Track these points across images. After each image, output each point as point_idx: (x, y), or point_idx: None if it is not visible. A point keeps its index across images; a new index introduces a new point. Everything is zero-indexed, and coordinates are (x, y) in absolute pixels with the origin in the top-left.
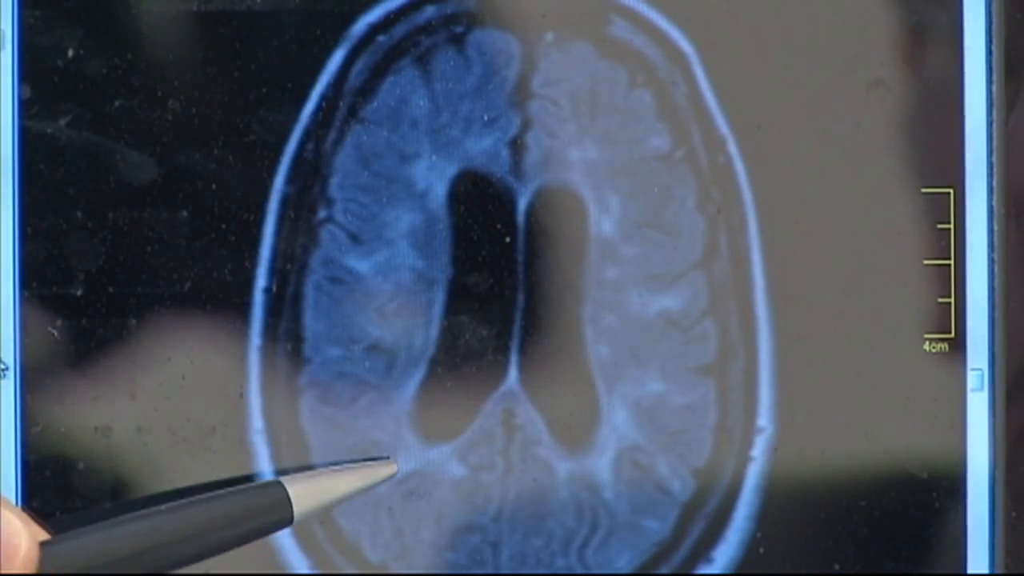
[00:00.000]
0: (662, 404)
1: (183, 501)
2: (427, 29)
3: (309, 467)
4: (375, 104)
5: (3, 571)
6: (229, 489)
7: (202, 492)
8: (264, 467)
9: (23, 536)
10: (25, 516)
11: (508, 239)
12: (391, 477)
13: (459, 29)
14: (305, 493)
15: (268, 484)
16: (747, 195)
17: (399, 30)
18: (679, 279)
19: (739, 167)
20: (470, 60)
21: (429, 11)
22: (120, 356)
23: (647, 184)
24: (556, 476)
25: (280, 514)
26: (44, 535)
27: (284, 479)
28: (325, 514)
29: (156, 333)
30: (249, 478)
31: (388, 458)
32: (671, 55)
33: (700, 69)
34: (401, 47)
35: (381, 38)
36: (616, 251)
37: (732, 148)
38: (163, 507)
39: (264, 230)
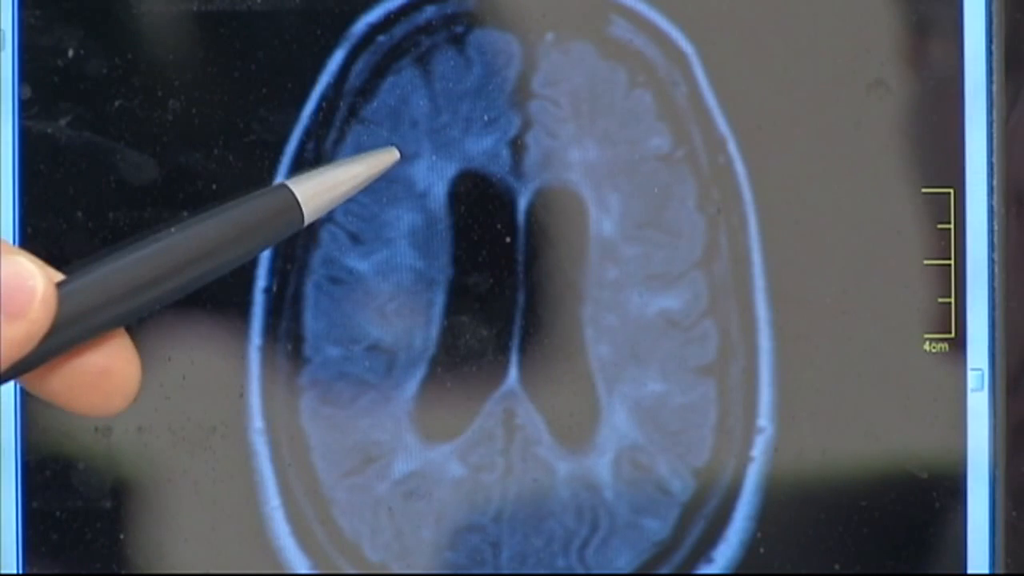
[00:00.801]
0: (662, 404)
1: (191, 219)
2: (427, 29)
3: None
4: (375, 104)
5: (22, 317)
6: (236, 200)
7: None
8: (264, 467)
9: (38, 279)
10: (36, 259)
11: (508, 239)
12: (395, 164)
13: (459, 29)
14: (312, 192)
15: (274, 188)
16: (747, 195)
17: (399, 30)
18: (679, 279)
19: (739, 167)
20: (470, 60)
21: (429, 11)
22: None
23: (647, 184)
24: (556, 476)
25: (290, 215)
26: (59, 276)
27: (289, 181)
28: (325, 514)
29: (156, 333)
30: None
31: (390, 147)
32: (671, 55)
33: (700, 69)
34: (401, 47)
35: (381, 38)
36: (616, 251)
37: (732, 148)
38: (172, 228)
39: None
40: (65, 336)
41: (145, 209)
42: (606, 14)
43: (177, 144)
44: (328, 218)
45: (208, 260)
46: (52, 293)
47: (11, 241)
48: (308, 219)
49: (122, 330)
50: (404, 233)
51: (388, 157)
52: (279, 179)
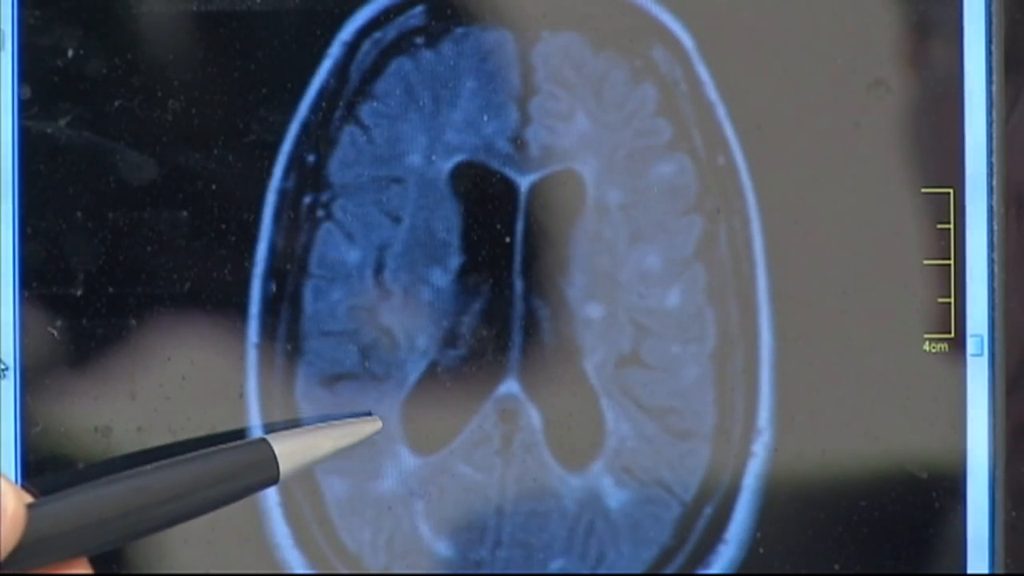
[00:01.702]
0: (662, 404)
1: (169, 460)
2: (425, 26)
3: (295, 424)
4: (374, 103)
5: None
6: (215, 448)
7: (188, 449)
8: None
9: (10, 497)
10: (9, 480)
11: (508, 239)
12: (375, 433)
13: (458, 25)
14: (291, 450)
15: (254, 442)
16: (747, 195)
17: (397, 28)
18: (679, 278)
19: (739, 167)
20: (469, 57)
21: (427, 8)
22: (120, 356)
23: (647, 183)
24: (556, 476)
25: (267, 472)
26: (29, 498)
27: (270, 436)
28: (324, 514)
29: (156, 333)
30: (237, 434)
31: (371, 414)
32: (672, 53)
33: (701, 68)
34: (399, 45)
35: (379, 36)
36: (616, 250)
37: (732, 148)
38: (149, 467)
39: (263, 230)
40: (28, 557)
41: (145, 209)
42: (607, 12)
43: (177, 144)
44: (327, 217)
45: (179, 504)
46: (22, 513)
47: (11, 241)
48: (284, 476)
49: (84, 560)
50: (403, 232)
51: (369, 427)
52: (277, 179)
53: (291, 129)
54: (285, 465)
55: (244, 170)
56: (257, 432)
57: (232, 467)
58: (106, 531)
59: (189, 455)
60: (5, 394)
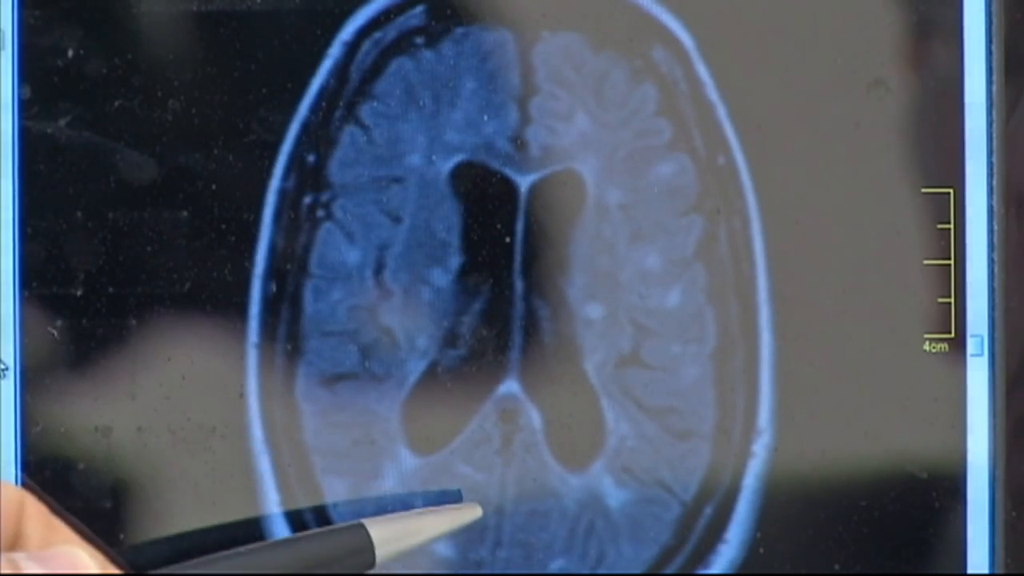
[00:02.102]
0: (662, 404)
1: (268, 543)
2: (425, 26)
3: (395, 513)
4: (374, 103)
5: None
6: (311, 531)
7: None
8: (264, 467)
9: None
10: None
11: (508, 239)
12: (476, 519)
13: (458, 25)
14: (388, 537)
15: (350, 527)
16: (747, 195)
17: (397, 28)
18: (679, 278)
19: (739, 167)
20: (469, 57)
21: (427, 8)
22: (120, 356)
23: (647, 183)
24: (556, 476)
25: (363, 558)
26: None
27: (367, 521)
28: (324, 515)
29: (156, 333)
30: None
31: (473, 503)
32: (672, 53)
33: (701, 68)
34: (399, 45)
35: (379, 36)
36: (616, 250)
37: (732, 148)
38: (243, 549)
39: (263, 230)
40: None
41: (145, 209)
42: (607, 12)
43: (177, 144)
44: (327, 217)
45: None
46: None
47: (11, 241)
48: (380, 560)
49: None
50: (403, 232)
51: (470, 513)
52: (277, 179)
53: (291, 129)
54: (381, 551)
55: (244, 170)
56: (258, 434)
57: (328, 552)
58: None
59: (285, 538)
60: (5, 394)
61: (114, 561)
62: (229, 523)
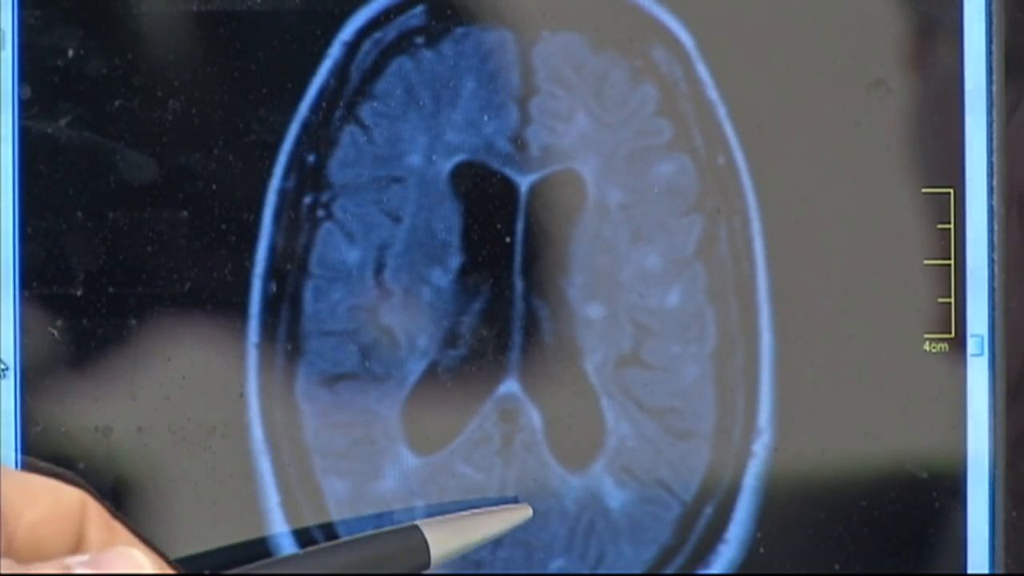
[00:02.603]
0: (662, 404)
1: (324, 546)
2: (425, 26)
3: (448, 514)
4: (374, 103)
5: None
6: (367, 532)
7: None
8: (264, 467)
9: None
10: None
11: (508, 239)
12: (526, 520)
13: (458, 25)
14: (442, 537)
15: (405, 528)
16: (747, 195)
17: (397, 28)
18: (679, 278)
19: (739, 167)
20: (469, 57)
21: (427, 8)
22: (120, 356)
23: (647, 183)
24: (556, 476)
25: (418, 558)
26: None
27: (421, 523)
28: (325, 515)
29: (156, 333)
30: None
31: (523, 502)
32: (672, 53)
33: (701, 68)
34: (399, 45)
35: (379, 36)
36: (616, 250)
37: (732, 148)
38: (302, 552)
39: (263, 230)
40: None
41: (145, 209)
42: (607, 12)
43: (177, 144)
44: (327, 217)
45: None
46: None
47: (11, 241)
48: (435, 561)
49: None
50: (403, 232)
51: (522, 513)
52: (277, 179)
53: (291, 129)
54: (436, 551)
55: (244, 170)
56: (258, 434)
57: (385, 553)
58: None
59: (342, 540)
60: (5, 394)
61: (169, 563)
62: (230, 523)
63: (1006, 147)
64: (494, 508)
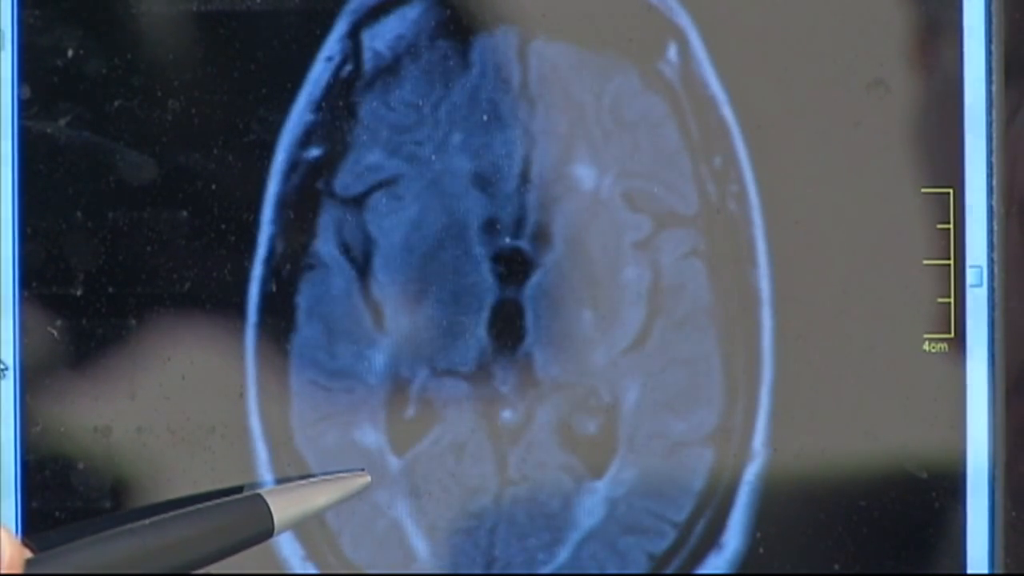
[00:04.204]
0: (664, 404)
1: (164, 516)
2: (425, 25)
3: (287, 479)
4: (375, 104)
5: None
6: (210, 503)
7: (183, 504)
8: (263, 467)
9: (10, 551)
10: (10, 533)
11: (508, 239)
12: (365, 487)
13: (457, 25)
14: (285, 504)
15: (248, 497)
16: (747, 195)
17: (397, 27)
18: (679, 279)
19: (739, 167)
20: (469, 60)
21: (427, 11)
22: (120, 356)
23: (648, 183)
24: (557, 477)
25: (262, 526)
26: (29, 553)
27: (263, 491)
28: (323, 516)
29: (156, 333)
30: (235, 491)
31: (363, 470)
32: (674, 53)
33: (702, 68)
34: (399, 45)
35: (379, 36)
36: (616, 250)
37: (733, 148)
38: (146, 522)
39: (263, 230)
40: None
41: (145, 209)
42: (608, 12)
43: (177, 144)
44: (327, 217)
45: (175, 558)
46: (19, 561)
47: (11, 241)
48: (278, 530)
49: None
50: (403, 234)
51: (360, 480)
52: (278, 179)
53: (290, 129)
54: (280, 518)
55: (244, 170)
56: (258, 434)
57: (228, 522)
58: None
59: (184, 510)
60: (5, 394)
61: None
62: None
63: (1006, 147)
64: (333, 475)
